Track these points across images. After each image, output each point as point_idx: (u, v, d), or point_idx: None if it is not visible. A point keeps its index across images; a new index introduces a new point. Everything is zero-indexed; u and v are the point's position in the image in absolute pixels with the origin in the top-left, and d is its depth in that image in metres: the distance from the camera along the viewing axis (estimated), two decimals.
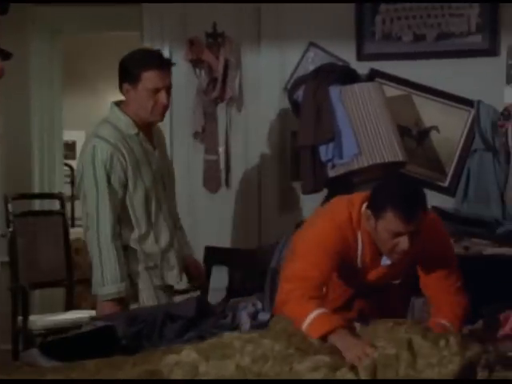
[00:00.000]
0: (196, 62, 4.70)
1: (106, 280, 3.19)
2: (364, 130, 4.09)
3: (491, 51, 4.34)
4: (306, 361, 2.26)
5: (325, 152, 4.15)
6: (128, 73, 3.24)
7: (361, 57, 4.48)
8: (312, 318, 2.56)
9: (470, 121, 4.29)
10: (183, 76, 4.75)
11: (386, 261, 2.81)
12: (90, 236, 3.25)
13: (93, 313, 3.51)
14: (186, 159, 4.76)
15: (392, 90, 4.37)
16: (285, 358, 2.29)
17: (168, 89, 3.25)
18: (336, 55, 4.49)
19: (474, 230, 4.07)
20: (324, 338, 2.50)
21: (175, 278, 3.35)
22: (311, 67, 4.46)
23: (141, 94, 3.21)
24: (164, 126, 4.76)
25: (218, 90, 4.63)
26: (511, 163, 4.13)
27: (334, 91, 4.18)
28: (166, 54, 4.74)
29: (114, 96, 8.54)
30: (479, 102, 4.26)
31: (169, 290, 3.36)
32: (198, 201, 4.68)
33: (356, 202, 2.81)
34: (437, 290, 2.94)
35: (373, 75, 4.41)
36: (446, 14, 4.40)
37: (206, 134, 4.69)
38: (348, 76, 4.29)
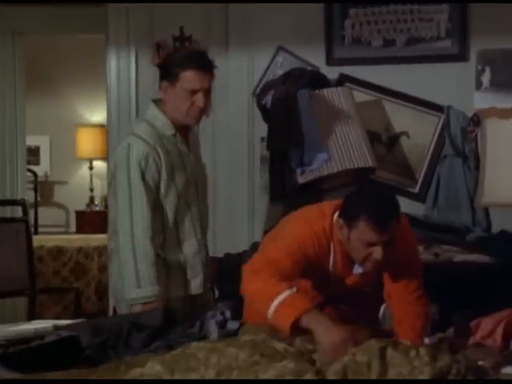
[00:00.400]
0: None
1: (144, 282, 3.01)
2: (333, 136, 4.06)
3: (461, 56, 4.34)
4: (270, 369, 2.21)
5: (294, 158, 4.11)
6: (167, 70, 3.12)
7: (330, 61, 4.46)
8: (282, 299, 2.47)
9: (439, 126, 4.29)
10: (150, 80, 4.69)
11: (358, 269, 2.76)
12: (120, 239, 3.08)
13: (56, 322, 3.42)
14: None
15: (362, 95, 4.35)
16: (250, 366, 2.25)
17: (206, 91, 3.10)
18: (305, 60, 4.46)
19: (443, 237, 4.06)
20: (295, 325, 2.41)
21: (198, 288, 3.19)
22: (280, 72, 4.42)
23: (178, 93, 3.09)
24: None
25: None
26: (481, 169, 4.13)
27: (303, 96, 4.14)
28: (131, 57, 4.73)
29: (79, 101, 8.56)
30: (449, 107, 4.26)
31: (190, 300, 3.19)
32: None
33: (327, 211, 2.75)
34: (398, 298, 2.90)
35: (342, 80, 4.39)
36: (416, 18, 4.39)
37: None
38: (317, 81, 4.26)
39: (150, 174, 3.07)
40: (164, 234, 3.13)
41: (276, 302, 2.47)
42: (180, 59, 3.12)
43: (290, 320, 2.43)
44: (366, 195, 2.67)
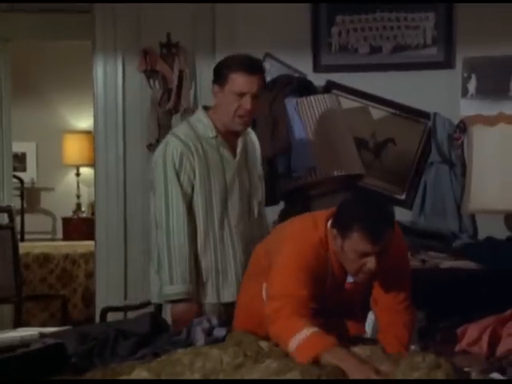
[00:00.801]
0: (150, 73, 4.65)
1: (176, 279, 3.02)
2: (321, 143, 4.06)
3: (447, 64, 4.37)
4: (255, 370, 2.21)
5: (281, 164, 4.12)
6: (218, 73, 3.14)
7: (317, 68, 4.47)
8: (303, 337, 2.42)
9: (426, 133, 4.30)
10: (137, 87, 4.68)
11: (350, 278, 2.74)
12: (159, 235, 3.11)
13: (42, 330, 3.40)
14: (140, 171, 4.68)
15: (349, 102, 4.36)
16: (235, 369, 2.25)
17: (254, 96, 3.09)
18: (292, 67, 4.47)
19: (430, 243, 4.07)
20: (316, 360, 2.36)
21: (231, 296, 3.14)
22: (267, 79, 4.40)
23: (226, 96, 3.09)
24: (117, 137, 4.73)
25: (173, 101, 4.57)
26: (467, 176, 4.14)
27: (291, 103, 4.15)
28: (118, 64, 4.72)
29: (66, 108, 8.51)
30: (435, 114, 4.27)
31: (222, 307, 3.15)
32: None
33: (320, 221, 2.72)
34: (386, 307, 2.88)
35: (329, 87, 4.40)
36: (402, 26, 4.41)
37: None
38: (304, 88, 4.27)
39: (186, 173, 3.11)
40: (198, 235, 3.13)
41: (293, 344, 2.42)
42: (230, 62, 3.14)
43: (309, 356, 2.37)
44: (360, 205, 2.64)
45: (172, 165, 3.10)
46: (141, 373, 2.26)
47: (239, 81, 3.07)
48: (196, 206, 3.13)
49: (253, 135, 3.37)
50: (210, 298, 3.14)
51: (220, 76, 3.13)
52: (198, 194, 3.13)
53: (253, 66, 3.12)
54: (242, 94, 3.07)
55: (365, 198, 2.81)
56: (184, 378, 2.23)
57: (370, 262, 2.57)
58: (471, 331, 2.58)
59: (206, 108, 3.24)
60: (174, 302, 3.06)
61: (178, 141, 3.13)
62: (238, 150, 3.21)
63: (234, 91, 3.08)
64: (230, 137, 3.19)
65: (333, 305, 2.84)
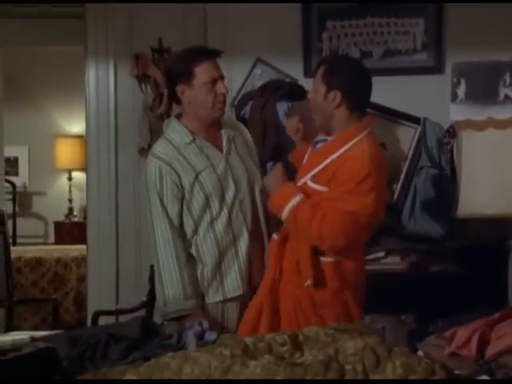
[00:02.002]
0: (142, 78, 4.67)
1: (169, 299, 3.09)
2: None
3: (436, 69, 4.40)
4: (242, 374, 2.22)
5: (271, 169, 4.13)
6: (179, 73, 3.11)
7: (308, 73, 4.48)
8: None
9: (416, 138, 4.31)
10: (129, 92, 4.70)
11: None
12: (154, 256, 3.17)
13: (34, 334, 3.41)
14: (132, 176, 4.69)
15: None
16: (223, 372, 2.25)
17: (223, 78, 3.13)
18: (283, 71, 4.49)
19: (420, 247, 4.09)
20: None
21: (236, 290, 3.15)
22: (259, 83, 4.45)
23: (198, 90, 3.09)
24: (109, 141, 4.74)
25: (165, 105, 4.59)
26: (457, 180, 4.16)
27: (282, 107, 4.17)
28: (110, 69, 4.74)
29: (58, 112, 8.52)
30: (425, 119, 4.29)
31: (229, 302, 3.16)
32: (144, 216, 4.61)
33: None
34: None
35: None
36: (392, 31, 4.44)
37: None
38: (295, 92, 4.28)
39: (168, 189, 3.11)
40: (197, 234, 3.14)
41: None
42: (189, 57, 3.12)
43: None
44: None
45: (153, 187, 3.12)
46: (130, 377, 2.26)
47: (207, 69, 3.08)
48: (191, 206, 3.12)
49: (243, 128, 3.38)
50: (213, 297, 3.14)
51: (182, 74, 3.10)
52: (192, 196, 3.12)
53: (210, 52, 3.14)
54: (214, 81, 3.08)
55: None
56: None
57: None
58: (460, 334, 2.59)
59: (178, 116, 3.23)
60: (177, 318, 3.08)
61: (157, 159, 3.13)
62: (224, 142, 3.19)
63: (206, 81, 3.08)
64: (211, 133, 3.18)
65: None
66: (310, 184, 2.99)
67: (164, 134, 3.24)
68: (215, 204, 3.14)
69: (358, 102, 3.03)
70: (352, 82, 2.99)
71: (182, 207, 3.13)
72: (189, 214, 3.13)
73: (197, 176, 3.12)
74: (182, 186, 3.12)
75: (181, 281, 3.09)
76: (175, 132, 3.17)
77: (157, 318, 3.28)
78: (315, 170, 2.99)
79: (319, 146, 3.06)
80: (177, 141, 3.14)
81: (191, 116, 3.15)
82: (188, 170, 3.12)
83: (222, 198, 3.14)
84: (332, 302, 2.98)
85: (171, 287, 3.09)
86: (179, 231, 3.12)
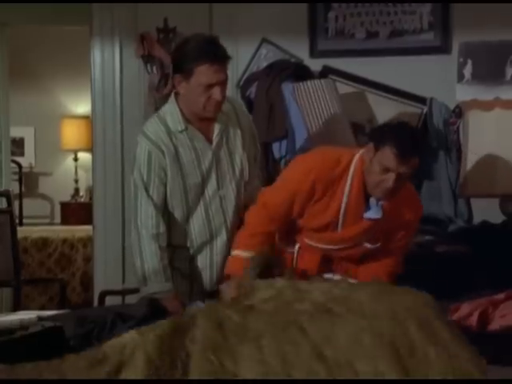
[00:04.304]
0: (147, 58, 4.65)
1: (150, 280, 3.04)
2: (317, 127, 4.08)
3: (443, 49, 4.37)
4: None
5: (278, 149, 4.14)
6: (180, 65, 2.99)
7: (314, 54, 4.48)
8: (233, 255, 3.03)
9: (422, 118, 4.31)
10: (134, 72, 4.69)
11: (372, 214, 2.96)
12: (131, 237, 3.13)
13: (41, 313, 3.42)
14: None
15: (345, 87, 4.37)
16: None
17: (223, 83, 2.96)
18: (289, 52, 4.48)
19: (426, 228, 4.09)
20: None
21: (207, 284, 3.15)
22: (264, 64, 4.43)
23: (193, 88, 2.96)
24: (114, 122, 4.74)
25: (170, 86, 4.57)
26: (462, 160, 4.16)
27: (287, 88, 4.16)
28: (116, 49, 4.72)
29: (64, 93, 8.50)
30: (432, 99, 4.28)
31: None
32: None
33: (345, 150, 3.09)
34: (368, 266, 3.11)
35: (326, 72, 4.41)
36: (399, 11, 4.41)
37: None
38: (301, 73, 4.28)
39: (156, 172, 3.04)
40: (174, 227, 3.12)
41: (232, 253, 3.03)
42: (193, 53, 2.96)
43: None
44: (397, 125, 2.96)
45: (139, 170, 3.04)
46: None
47: (206, 73, 2.92)
48: (172, 198, 3.08)
49: (241, 113, 3.24)
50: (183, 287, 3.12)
51: (183, 68, 2.97)
52: (173, 187, 3.07)
53: (217, 54, 2.95)
54: (210, 86, 2.94)
55: (402, 124, 3.02)
56: None
57: (390, 179, 2.86)
58: (464, 307, 2.64)
59: (177, 94, 3.09)
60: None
61: (147, 140, 3.04)
62: (214, 135, 3.09)
63: (202, 84, 2.94)
64: (203, 123, 3.08)
65: (341, 249, 3.07)
66: None
67: (159, 112, 3.15)
68: (193, 199, 3.09)
69: None
70: None
71: (165, 192, 3.07)
72: (170, 202, 3.09)
73: (180, 168, 3.06)
74: (166, 173, 3.05)
75: (161, 261, 3.05)
76: (169, 114, 3.07)
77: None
78: None
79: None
80: (169, 125, 3.06)
81: (185, 103, 3.06)
82: (174, 161, 3.05)
83: (201, 194, 3.09)
84: None
85: (152, 266, 3.04)
86: (162, 212, 3.07)
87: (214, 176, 3.10)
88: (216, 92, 2.95)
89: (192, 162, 3.07)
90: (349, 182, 2.97)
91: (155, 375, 2.08)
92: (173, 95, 3.12)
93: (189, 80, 2.97)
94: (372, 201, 2.99)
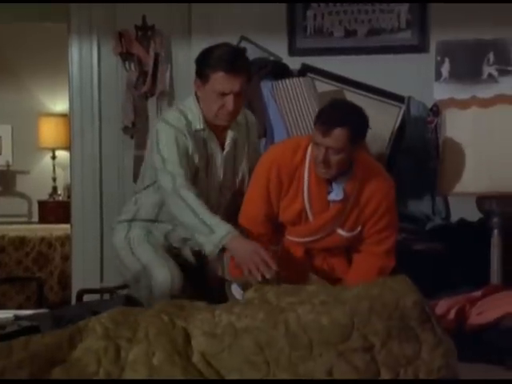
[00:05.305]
0: (125, 56, 4.64)
1: (213, 227, 2.91)
2: (296, 126, 4.08)
3: (421, 47, 4.40)
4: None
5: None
6: (199, 69, 3.09)
7: (292, 52, 4.48)
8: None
9: (400, 116, 4.32)
10: (112, 70, 4.67)
11: (333, 196, 3.00)
12: (171, 205, 3.04)
13: (18, 312, 3.40)
14: (116, 155, 4.68)
15: (324, 85, 4.37)
16: None
17: (237, 94, 3.02)
18: (268, 50, 4.48)
19: (404, 226, 4.10)
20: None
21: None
22: None
23: (208, 93, 3.04)
24: (93, 120, 4.72)
25: (149, 84, 4.57)
26: (440, 158, 4.18)
27: (266, 86, 4.16)
28: (94, 47, 4.70)
29: (42, 91, 8.43)
30: (409, 97, 4.30)
31: None
32: (128, 196, 4.60)
33: (305, 136, 3.19)
34: (363, 249, 3.15)
35: (304, 70, 4.41)
36: (377, 10, 4.43)
37: (136, 129, 4.62)
38: (280, 71, 4.28)
39: (183, 153, 3.03)
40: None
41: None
42: (211, 59, 3.03)
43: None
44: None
45: (168, 148, 3.02)
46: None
47: (221, 81, 3.00)
48: None
49: (251, 122, 3.30)
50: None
51: (201, 72, 3.07)
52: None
53: (235, 65, 3.01)
54: (224, 94, 3.01)
55: (330, 101, 3.12)
56: None
57: (319, 154, 2.94)
58: (441, 305, 2.65)
59: (196, 94, 3.15)
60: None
61: (170, 127, 3.06)
62: (227, 142, 3.16)
63: (215, 91, 3.01)
64: (219, 127, 3.14)
65: (319, 244, 3.09)
66: None
67: (178, 106, 3.21)
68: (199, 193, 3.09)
69: None
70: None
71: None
72: None
73: (194, 160, 3.10)
74: (191, 157, 3.07)
75: (210, 212, 2.96)
76: (190, 111, 3.12)
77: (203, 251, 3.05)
78: None
79: None
80: (190, 120, 3.10)
81: (204, 107, 3.11)
82: (193, 150, 3.08)
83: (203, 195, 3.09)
84: None
85: (207, 214, 2.93)
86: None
87: (217, 184, 3.16)
88: (229, 101, 3.01)
89: (203, 162, 3.11)
90: (307, 166, 3.03)
91: (112, 336, 2.11)
92: (194, 95, 3.16)
93: (205, 85, 3.04)
94: (334, 184, 3.05)
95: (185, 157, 3.05)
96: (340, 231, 3.09)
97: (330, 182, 3.05)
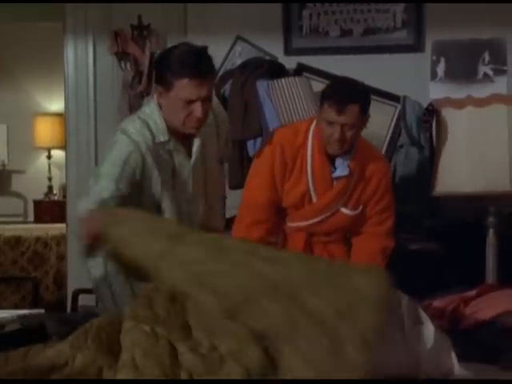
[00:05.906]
0: (121, 55, 4.64)
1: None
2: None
3: (416, 47, 4.40)
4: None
5: (252, 147, 4.13)
6: (159, 75, 2.79)
7: (288, 51, 4.49)
8: None
9: (396, 116, 4.33)
10: (108, 69, 4.67)
11: (339, 172, 3.12)
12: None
13: (15, 312, 3.39)
14: None
15: (319, 85, 4.35)
16: None
17: (205, 99, 2.74)
18: (264, 49, 4.48)
19: (399, 225, 4.10)
20: None
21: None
22: (239, 61, 4.44)
23: (173, 101, 2.75)
24: (88, 119, 4.72)
25: (144, 83, 4.57)
26: (436, 158, 4.18)
27: (262, 86, 4.17)
28: (89, 46, 4.70)
29: (37, 89, 8.42)
30: (405, 97, 4.30)
31: None
32: None
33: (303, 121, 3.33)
34: (363, 230, 3.26)
35: (300, 70, 4.42)
36: (373, 9, 4.44)
37: None
38: (275, 70, 4.28)
39: (128, 175, 2.77)
40: None
41: None
42: (173, 65, 2.73)
43: None
44: (331, 82, 3.31)
45: (113, 165, 2.77)
46: None
47: (187, 88, 2.71)
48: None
49: (221, 119, 3.06)
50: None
51: (162, 79, 2.76)
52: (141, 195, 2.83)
53: (200, 69, 2.72)
54: (191, 102, 2.73)
55: (337, 78, 3.32)
56: None
57: (335, 132, 3.04)
58: (435, 305, 2.66)
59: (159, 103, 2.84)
60: None
61: (129, 141, 2.78)
62: (194, 148, 2.89)
63: (181, 98, 2.73)
64: (185, 135, 2.86)
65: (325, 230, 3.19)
66: None
67: (139, 114, 2.89)
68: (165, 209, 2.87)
69: None
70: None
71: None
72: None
73: (153, 178, 2.84)
74: (144, 175, 2.81)
75: None
76: (153, 122, 2.84)
77: None
78: None
79: None
80: (153, 131, 2.82)
81: (168, 115, 2.82)
82: (151, 167, 2.82)
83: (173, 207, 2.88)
84: None
85: None
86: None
87: (186, 193, 2.92)
88: (197, 108, 2.74)
89: (167, 174, 2.87)
90: (309, 147, 3.13)
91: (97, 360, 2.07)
92: (156, 102, 2.86)
93: (168, 93, 2.76)
94: (338, 161, 3.16)
95: (126, 179, 2.77)
96: (344, 210, 3.19)
97: (332, 161, 3.16)
